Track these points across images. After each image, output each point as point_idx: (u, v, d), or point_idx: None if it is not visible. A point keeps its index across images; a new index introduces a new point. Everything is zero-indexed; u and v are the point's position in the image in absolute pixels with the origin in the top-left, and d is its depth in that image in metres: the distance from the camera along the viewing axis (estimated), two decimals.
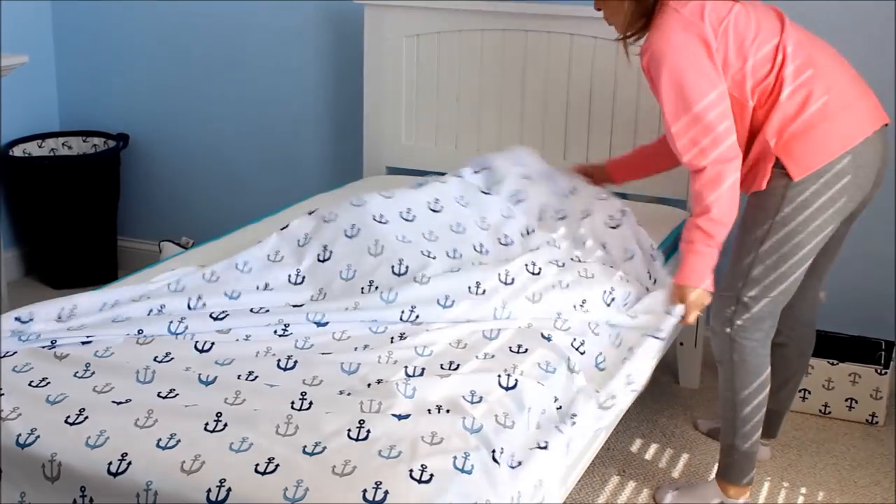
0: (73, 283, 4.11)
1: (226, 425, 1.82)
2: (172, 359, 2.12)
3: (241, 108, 4.08)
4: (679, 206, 3.31)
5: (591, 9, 3.32)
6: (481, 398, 1.96)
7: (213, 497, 1.67)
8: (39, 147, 4.19)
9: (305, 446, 1.75)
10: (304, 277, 2.50)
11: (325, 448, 1.74)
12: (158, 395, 1.96)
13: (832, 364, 3.23)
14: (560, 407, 2.13)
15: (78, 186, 4.02)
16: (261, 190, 4.11)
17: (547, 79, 3.42)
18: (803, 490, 2.88)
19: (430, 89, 3.57)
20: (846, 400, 3.24)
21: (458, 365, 2.11)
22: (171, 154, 4.26)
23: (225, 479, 1.68)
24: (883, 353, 3.30)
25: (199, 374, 2.03)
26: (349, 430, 1.80)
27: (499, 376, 2.03)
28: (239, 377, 2.04)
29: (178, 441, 1.78)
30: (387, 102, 3.62)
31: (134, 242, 4.37)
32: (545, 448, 1.98)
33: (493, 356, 2.17)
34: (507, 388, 2.01)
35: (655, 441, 3.11)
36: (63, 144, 4.24)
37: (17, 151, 4.11)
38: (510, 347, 2.22)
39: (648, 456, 3.03)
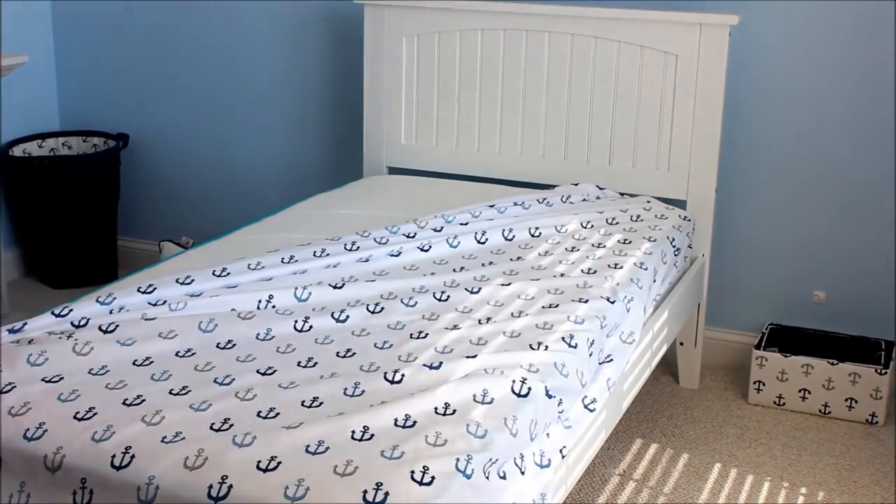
0: (72, 283, 4.11)
1: (232, 425, 1.83)
2: (194, 353, 2.14)
3: (241, 108, 4.08)
4: (679, 206, 3.31)
5: (592, 9, 3.34)
6: (492, 400, 1.96)
7: (214, 493, 1.67)
8: (39, 147, 4.19)
9: (308, 445, 1.75)
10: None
11: (327, 448, 1.74)
12: (171, 393, 1.97)
13: (832, 364, 3.23)
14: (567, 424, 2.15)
15: (78, 186, 4.02)
16: (261, 190, 4.11)
17: (547, 79, 3.42)
18: (803, 490, 2.88)
19: (430, 89, 3.56)
20: (846, 400, 3.24)
21: (476, 355, 2.12)
22: (171, 154, 4.26)
23: (227, 476, 1.68)
24: (883, 353, 3.30)
25: (216, 376, 2.04)
26: (353, 431, 1.79)
27: (513, 382, 2.03)
28: (258, 372, 2.06)
29: (183, 437, 1.79)
30: (387, 102, 3.62)
31: (134, 242, 4.37)
32: (548, 466, 1.99)
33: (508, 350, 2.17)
34: (518, 395, 2.00)
35: (655, 441, 3.11)
36: (63, 144, 4.25)
37: (17, 151, 4.11)
38: (531, 345, 2.22)
39: (648, 456, 3.03)
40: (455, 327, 2.29)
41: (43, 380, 2.01)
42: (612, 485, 2.87)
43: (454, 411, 1.89)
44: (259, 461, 1.71)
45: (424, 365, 2.08)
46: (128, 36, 4.18)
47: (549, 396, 2.07)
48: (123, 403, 1.92)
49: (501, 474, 1.82)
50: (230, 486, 1.67)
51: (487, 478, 1.76)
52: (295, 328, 2.28)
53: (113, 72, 4.24)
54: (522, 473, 1.88)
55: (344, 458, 1.71)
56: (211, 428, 1.82)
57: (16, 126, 4.13)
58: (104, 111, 4.30)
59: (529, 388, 2.02)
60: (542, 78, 3.42)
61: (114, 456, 1.75)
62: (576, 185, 3.32)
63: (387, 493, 1.63)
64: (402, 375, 2.03)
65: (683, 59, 3.23)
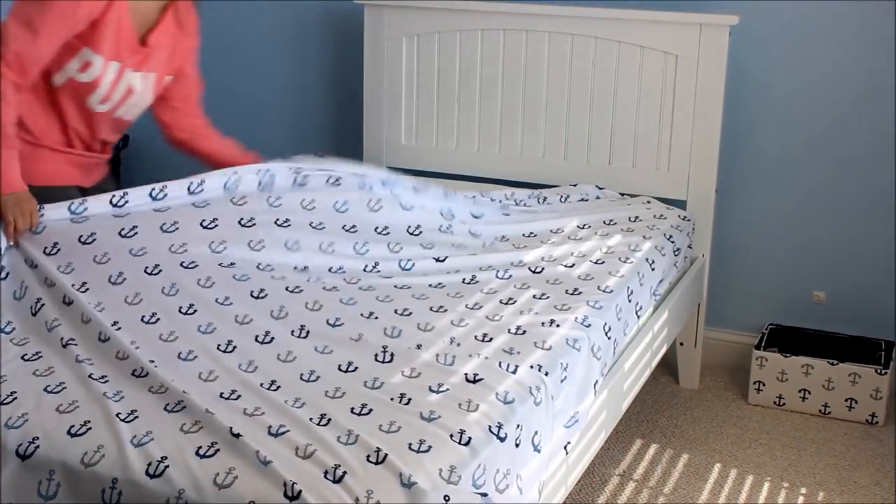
0: None
1: (184, 407, 1.88)
2: (158, 319, 2.23)
3: (240, 108, 4.08)
4: (679, 206, 3.31)
5: (592, 9, 3.34)
6: (448, 389, 1.98)
7: (202, 453, 1.74)
8: None
9: (270, 426, 1.81)
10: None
11: (287, 430, 1.80)
12: (131, 372, 2.02)
13: (832, 364, 3.23)
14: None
15: None
16: None
17: (547, 78, 3.42)
18: (803, 490, 2.88)
19: (430, 89, 3.56)
20: (846, 400, 3.24)
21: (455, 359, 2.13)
22: (171, 154, 4.25)
23: (215, 442, 1.76)
24: (883, 353, 3.30)
25: (179, 350, 2.12)
26: (311, 418, 1.84)
27: (465, 374, 2.04)
28: (218, 347, 2.12)
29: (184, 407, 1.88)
30: (387, 103, 3.62)
31: None
32: (533, 457, 2.00)
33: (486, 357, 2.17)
34: (472, 382, 2.01)
35: (655, 441, 3.11)
36: None
37: None
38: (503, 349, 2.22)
39: (648, 456, 3.03)
40: (434, 326, 2.31)
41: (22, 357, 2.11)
42: (612, 485, 2.87)
43: (410, 400, 1.93)
44: (231, 427, 1.79)
45: (410, 346, 2.14)
46: None
47: (536, 390, 2.07)
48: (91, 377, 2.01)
49: (463, 445, 1.85)
50: (216, 447, 1.75)
51: (446, 448, 1.79)
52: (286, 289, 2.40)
53: None
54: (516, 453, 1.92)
55: (304, 441, 1.76)
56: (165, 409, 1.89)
57: None
58: None
59: (479, 377, 2.04)
60: (542, 78, 3.42)
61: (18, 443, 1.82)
62: (575, 185, 3.33)
63: (345, 473, 1.68)
64: (392, 354, 2.08)
65: (683, 59, 3.23)
